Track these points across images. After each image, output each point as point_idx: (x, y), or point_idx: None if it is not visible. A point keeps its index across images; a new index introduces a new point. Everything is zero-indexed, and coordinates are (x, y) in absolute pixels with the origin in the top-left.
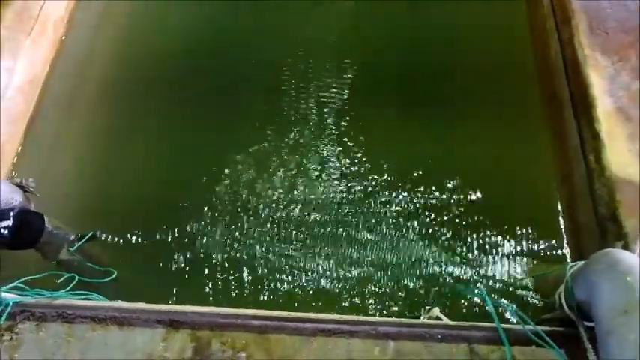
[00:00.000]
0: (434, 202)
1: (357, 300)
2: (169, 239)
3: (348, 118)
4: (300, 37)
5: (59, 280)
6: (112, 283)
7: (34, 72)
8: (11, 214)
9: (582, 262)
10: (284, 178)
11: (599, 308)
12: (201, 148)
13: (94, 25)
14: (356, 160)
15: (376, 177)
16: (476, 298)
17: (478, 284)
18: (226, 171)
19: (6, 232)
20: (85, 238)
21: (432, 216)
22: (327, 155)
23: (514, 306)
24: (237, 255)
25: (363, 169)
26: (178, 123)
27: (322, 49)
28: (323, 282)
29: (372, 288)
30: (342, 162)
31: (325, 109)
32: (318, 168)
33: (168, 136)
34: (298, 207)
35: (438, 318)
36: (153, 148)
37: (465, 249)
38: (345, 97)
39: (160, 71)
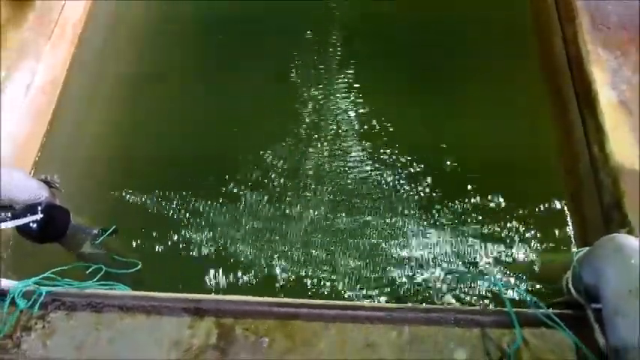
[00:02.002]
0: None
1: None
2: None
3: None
4: None
5: (88, 272)
6: (133, 275)
7: (54, 73)
8: (39, 208)
9: (588, 248)
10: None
11: (605, 290)
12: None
13: (109, 24)
14: None
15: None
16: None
17: (490, 272)
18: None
19: (34, 225)
20: (108, 232)
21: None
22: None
23: (525, 290)
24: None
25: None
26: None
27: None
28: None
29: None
30: None
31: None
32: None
33: (183, 130)
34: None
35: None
36: (167, 143)
37: (473, 236)
38: None
39: (173, 66)
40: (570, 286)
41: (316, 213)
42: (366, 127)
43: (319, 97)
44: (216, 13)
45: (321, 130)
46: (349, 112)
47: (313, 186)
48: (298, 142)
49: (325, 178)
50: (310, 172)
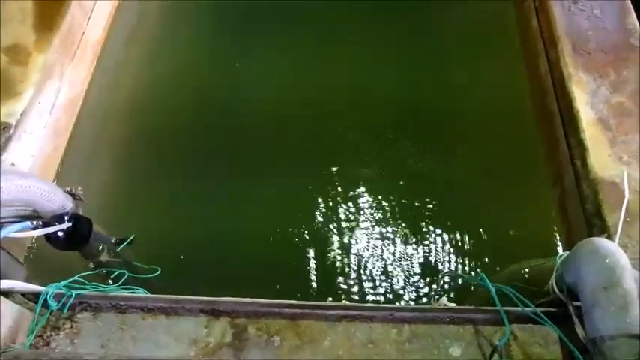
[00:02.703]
0: None
1: None
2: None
3: None
4: None
5: (112, 276)
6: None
7: (74, 91)
8: (66, 218)
9: (569, 251)
10: None
11: (584, 287)
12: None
13: (125, 45)
14: None
15: None
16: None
17: (481, 273)
18: None
19: (62, 234)
20: (128, 241)
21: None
22: None
23: (513, 289)
24: None
25: None
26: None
27: None
28: None
29: None
30: None
31: None
32: None
33: (191, 147)
34: None
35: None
36: (178, 157)
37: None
38: None
39: (180, 87)
40: (554, 285)
41: None
42: None
43: None
44: None
45: None
46: None
47: None
48: None
49: None
50: None
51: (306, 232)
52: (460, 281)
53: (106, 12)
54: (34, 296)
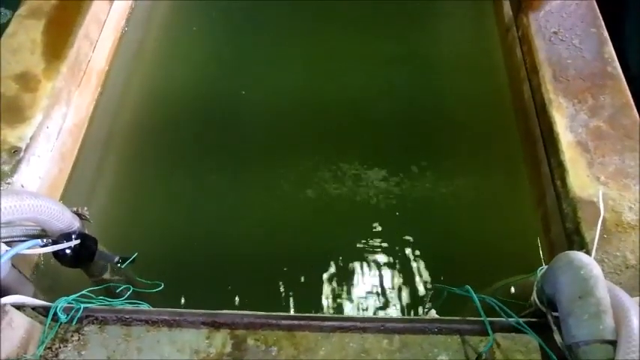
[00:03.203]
0: None
1: None
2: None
3: None
4: None
5: (117, 291)
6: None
7: (79, 116)
8: (73, 236)
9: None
10: None
11: (561, 297)
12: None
13: (127, 75)
14: None
15: None
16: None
17: (467, 286)
18: None
19: (69, 251)
20: (130, 259)
21: None
22: None
23: (497, 301)
24: None
25: None
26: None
27: None
28: None
29: None
30: None
31: None
32: None
33: (191, 170)
34: None
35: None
36: (178, 180)
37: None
38: None
39: (179, 113)
40: (535, 298)
41: None
42: None
43: None
44: None
45: None
46: None
47: None
48: None
49: None
50: None
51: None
52: (445, 293)
53: (109, 42)
54: (44, 310)
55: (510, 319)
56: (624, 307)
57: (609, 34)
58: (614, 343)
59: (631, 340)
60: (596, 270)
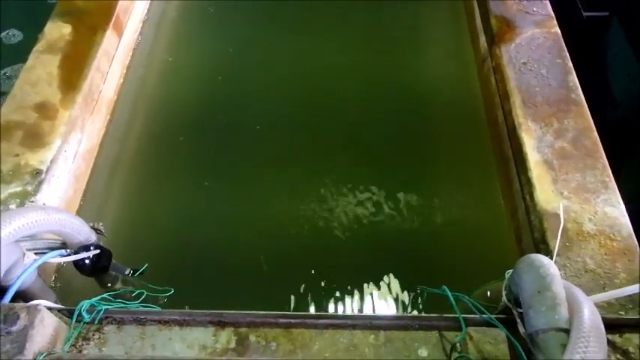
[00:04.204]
0: None
1: None
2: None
3: None
4: None
5: (133, 295)
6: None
7: (91, 142)
8: (91, 248)
9: None
10: None
11: (523, 293)
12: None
13: (133, 102)
14: None
15: None
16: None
17: (444, 286)
18: None
19: (88, 262)
20: (140, 270)
21: None
22: None
23: (470, 298)
24: None
25: None
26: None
27: None
28: None
29: None
30: None
31: None
32: None
33: (195, 189)
34: None
35: None
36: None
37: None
38: None
39: (180, 139)
40: (504, 297)
41: None
42: None
43: None
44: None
45: None
46: None
47: None
48: None
49: None
50: None
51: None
52: (425, 294)
53: (117, 73)
54: (68, 312)
55: (483, 316)
56: (577, 301)
57: (593, 66)
58: (567, 331)
59: (582, 328)
60: (553, 269)
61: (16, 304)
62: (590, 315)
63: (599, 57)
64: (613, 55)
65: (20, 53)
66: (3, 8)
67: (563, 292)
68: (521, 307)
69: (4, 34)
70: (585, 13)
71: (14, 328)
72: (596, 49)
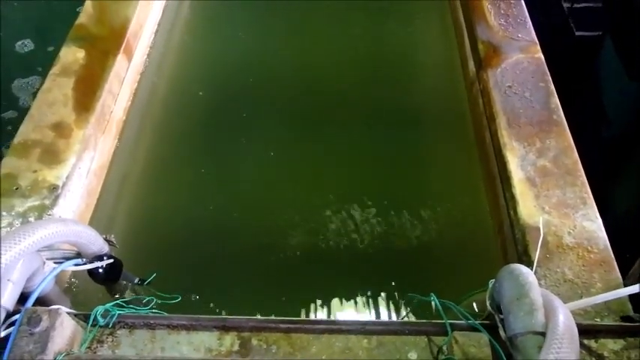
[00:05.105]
0: None
1: None
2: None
3: None
4: None
5: (144, 301)
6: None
7: (102, 159)
8: (105, 258)
9: None
10: None
11: (503, 299)
12: None
13: (141, 121)
14: None
15: None
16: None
17: (432, 294)
18: None
19: (101, 270)
20: (149, 280)
21: None
22: None
23: (456, 305)
24: None
25: None
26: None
27: None
28: None
29: None
30: None
31: None
32: None
33: (198, 206)
34: None
35: None
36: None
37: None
38: None
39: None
40: (488, 305)
41: None
42: None
43: None
44: None
45: None
46: None
47: None
48: None
49: None
50: None
51: None
52: (415, 300)
53: (127, 95)
54: (83, 317)
55: (468, 321)
56: (553, 307)
57: (586, 84)
58: (544, 335)
59: (557, 331)
60: (532, 277)
61: (38, 308)
62: (564, 320)
63: (591, 75)
64: (605, 73)
65: (32, 64)
66: (18, 18)
67: (540, 298)
68: (502, 313)
69: (19, 43)
70: (578, 33)
71: (37, 330)
72: (589, 68)
